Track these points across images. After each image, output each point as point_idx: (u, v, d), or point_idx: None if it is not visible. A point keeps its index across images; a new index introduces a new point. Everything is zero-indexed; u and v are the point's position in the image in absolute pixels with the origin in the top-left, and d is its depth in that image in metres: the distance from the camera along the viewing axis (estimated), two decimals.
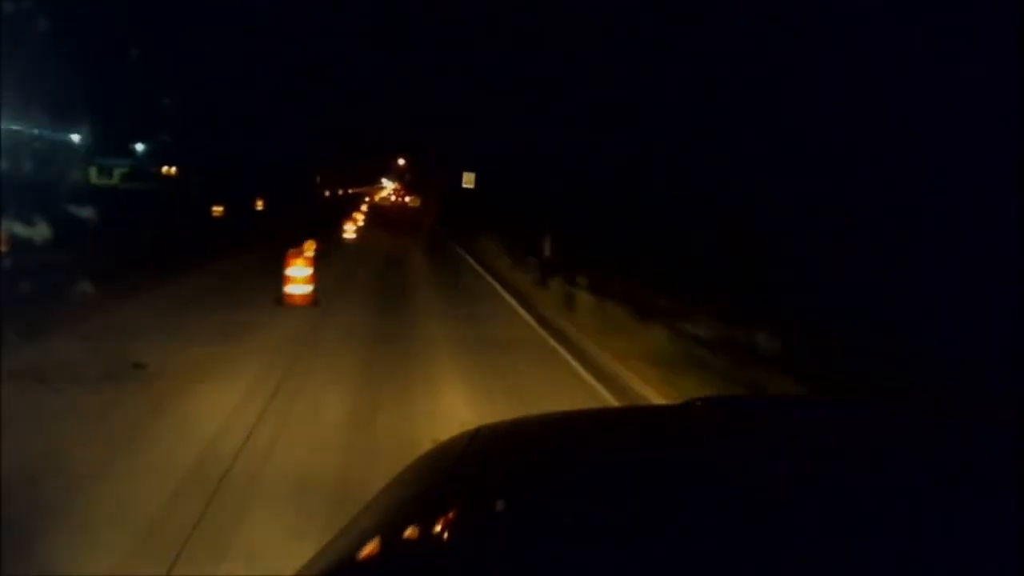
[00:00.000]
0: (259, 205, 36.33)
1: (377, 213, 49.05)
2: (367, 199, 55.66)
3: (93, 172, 48.30)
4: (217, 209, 28.79)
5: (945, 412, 1.77)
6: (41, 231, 12.83)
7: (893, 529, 0.93)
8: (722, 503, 0.99)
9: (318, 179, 77.48)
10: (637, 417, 1.82)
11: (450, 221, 32.84)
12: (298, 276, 10.03)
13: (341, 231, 22.36)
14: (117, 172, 51.24)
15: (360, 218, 28.38)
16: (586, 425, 1.53)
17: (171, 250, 16.65)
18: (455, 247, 23.77)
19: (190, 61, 47.45)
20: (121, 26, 38.16)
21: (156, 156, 52.66)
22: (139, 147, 52.60)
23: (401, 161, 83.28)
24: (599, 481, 1.10)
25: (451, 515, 1.00)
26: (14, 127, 30.82)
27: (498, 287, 14.40)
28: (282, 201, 39.31)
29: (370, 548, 0.95)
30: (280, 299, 9.99)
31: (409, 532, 0.97)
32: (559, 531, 0.93)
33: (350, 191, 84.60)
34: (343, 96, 69.19)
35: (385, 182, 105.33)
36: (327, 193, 74.21)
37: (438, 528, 0.96)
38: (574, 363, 8.07)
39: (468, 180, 28.22)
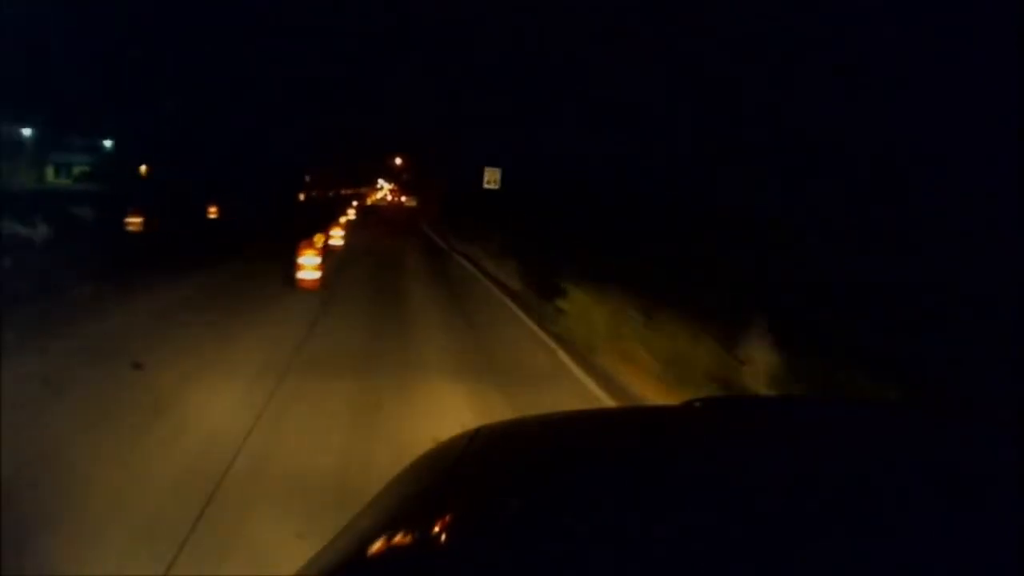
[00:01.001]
0: (212, 213, 27.79)
1: (371, 214, 46.20)
2: (355, 203, 47.99)
3: (50, 171, 44.24)
4: (134, 221, 19.57)
5: (945, 412, 1.77)
6: None
7: (893, 529, 0.93)
8: (722, 503, 0.99)
9: (307, 179, 72.98)
10: (637, 417, 1.81)
11: (463, 232, 25.14)
12: None
13: (297, 266, 12.33)
14: (76, 171, 46.18)
15: (338, 235, 19.76)
16: (586, 425, 1.53)
17: None
18: (513, 310, 12.83)
19: (178, 58, 45.12)
20: (86, 12, 34.65)
21: (123, 153, 47.29)
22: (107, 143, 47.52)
23: (398, 161, 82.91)
24: (599, 481, 1.10)
25: (451, 515, 1.00)
26: None
27: None
28: (249, 207, 32.17)
29: (370, 548, 0.95)
30: None
31: (409, 532, 0.97)
32: (559, 531, 0.93)
33: (341, 192, 78.55)
34: (343, 96, 68.76)
35: (382, 182, 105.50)
36: (315, 193, 67.91)
37: (438, 528, 0.96)
38: None
39: (491, 178, 22.91)
